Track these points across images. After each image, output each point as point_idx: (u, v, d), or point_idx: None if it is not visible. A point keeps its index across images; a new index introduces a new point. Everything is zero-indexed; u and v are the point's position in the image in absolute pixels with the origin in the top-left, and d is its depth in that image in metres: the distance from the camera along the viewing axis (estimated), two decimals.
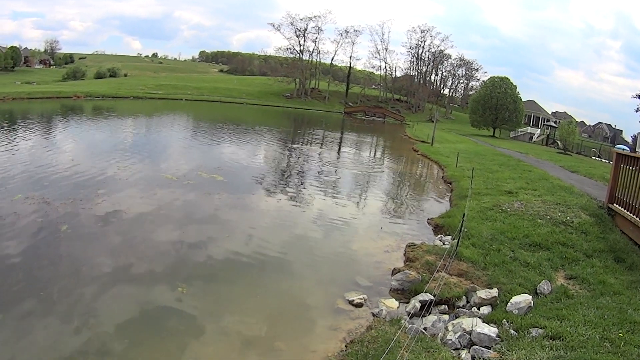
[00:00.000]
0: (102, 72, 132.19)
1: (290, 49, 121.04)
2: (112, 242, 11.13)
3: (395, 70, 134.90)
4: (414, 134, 60.46)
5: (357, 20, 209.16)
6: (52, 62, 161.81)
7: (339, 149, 39.15)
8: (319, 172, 23.91)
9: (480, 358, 7.03)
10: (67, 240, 10.86)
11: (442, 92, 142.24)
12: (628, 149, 47.92)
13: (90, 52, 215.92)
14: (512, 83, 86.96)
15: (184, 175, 18.94)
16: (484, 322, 8.25)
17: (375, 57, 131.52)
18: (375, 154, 40.75)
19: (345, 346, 7.66)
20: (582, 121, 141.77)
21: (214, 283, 9.73)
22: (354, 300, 9.35)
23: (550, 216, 14.02)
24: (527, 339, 7.29)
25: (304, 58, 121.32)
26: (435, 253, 11.54)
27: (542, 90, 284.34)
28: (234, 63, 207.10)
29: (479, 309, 9.08)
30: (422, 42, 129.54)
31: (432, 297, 9.18)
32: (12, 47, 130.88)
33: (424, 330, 8.08)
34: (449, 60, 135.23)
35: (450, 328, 8.14)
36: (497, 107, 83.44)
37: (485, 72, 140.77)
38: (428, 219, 16.20)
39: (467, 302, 9.52)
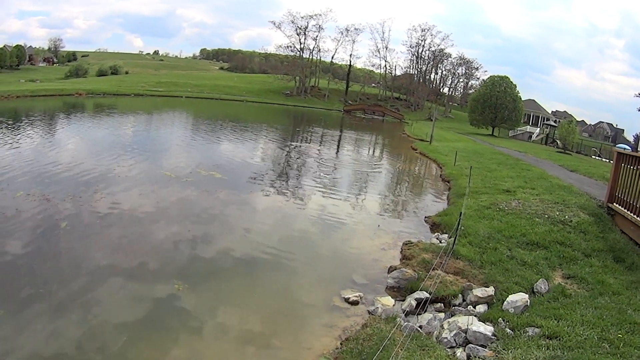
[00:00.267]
0: (104, 69, 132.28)
1: (291, 47, 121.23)
2: (111, 239, 11.14)
3: (395, 69, 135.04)
4: (412, 133, 60.38)
5: (357, 19, 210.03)
6: (55, 60, 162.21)
7: (338, 147, 39.12)
8: (317, 170, 23.85)
9: (475, 357, 6.99)
10: (66, 237, 10.86)
11: (441, 90, 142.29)
12: (630, 148, 47.95)
13: (93, 50, 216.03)
14: (511, 82, 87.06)
15: (183, 172, 18.90)
16: (479, 320, 8.21)
17: (376, 56, 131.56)
18: (373, 152, 40.75)
19: (341, 343, 7.64)
20: (583, 120, 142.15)
21: (211, 280, 9.69)
22: (350, 297, 9.32)
23: (549, 215, 13.97)
24: (523, 338, 7.25)
25: (304, 56, 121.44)
26: (431, 251, 11.49)
27: (544, 90, 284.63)
28: (235, 61, 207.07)
29: (474, 307, 9.04)
30: (422, 40, 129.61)
31: (428, 295, 9.14)
32: (17, 45, 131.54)
33: (419, 328, 8.04)
34: (449, 59, 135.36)
35: (445, 326, 8.10)
36: (497, 106, 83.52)
37: (486, 71, 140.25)
38: (425, 217, 16.16)
39: (463, 300, 9.48)
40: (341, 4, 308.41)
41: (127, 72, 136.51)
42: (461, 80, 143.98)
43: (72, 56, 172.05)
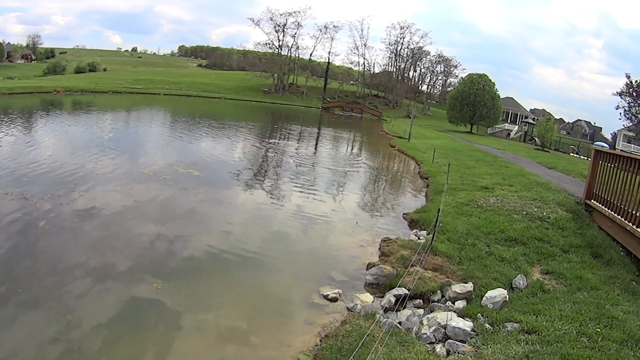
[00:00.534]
0: (81, 66, 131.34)
1: (269, 44, 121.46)
2: (89, 238, 10.97)
3: (374, 66, 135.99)
4: (391, 130, 60.57)
5: (336, 16, 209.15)
6: (33, 57, 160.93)
7: (316, 144, 39.18)
8: (295, 168, 23.81)
9: (455, 352, 6.99)
10: (45, 236, 10.69)
11: (420, 88, 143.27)
12: (608, 146, 48.45)
13: (71, 46, 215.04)
14: (490, 80, 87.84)
15: (161, 170, 18.73)
16: (459, 316, 8.22)
17: (354, 53, 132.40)
18: (352, 150, 40.79)
19: (320, 340, 7.61)
20: (561, 118, 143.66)
21: (190, 278, 9.60)
22: (328, 294, 9.29)
23: (527, 212, 14.04)
24: (503, 333, 7.25)
25: (282, 53, 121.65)
26: (410, 247, 11.49)
27: (521, 88, 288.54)
28: (213, 58, 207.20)
29: (453, 303, 9.04)
30: (401, 38, 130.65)
31: (406, 292, 9.14)
32: None
33: (398, 325, 8.04)
34: (428, 56, 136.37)
35: (425, 322, 8.09)
36: (475, 104, 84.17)
37: (464, 69, 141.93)
38: (403, 214, 16.16)
39: (442, 296, 9.48)
40: (320, 1, 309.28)
41: (105, 69, 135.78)
42: (440, 78, 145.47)
43: (50, 53, 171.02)
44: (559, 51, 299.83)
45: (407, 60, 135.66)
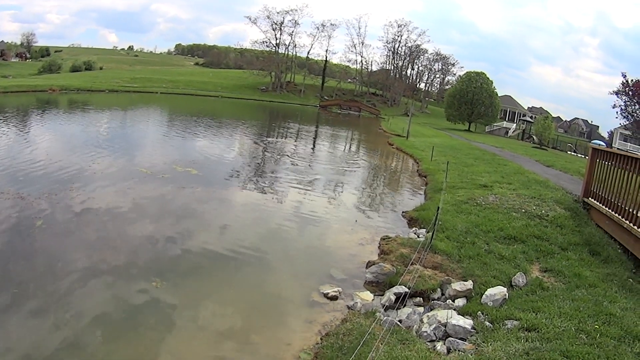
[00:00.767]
0: (77, 65, 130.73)
1: (267, 42, 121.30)
2: (87, 237, 10.96)
3: (372, 65, 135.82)
4: (389, 128, 60.63)
5: (333, 14, 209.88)
6: (28, 56, 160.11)
7: (314, 142, 39.19)
8: (293, 166, 23.83)
9: (455, 350, 7.02)
10: (42, 236, 10.66)
11: (418, 86, 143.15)
12: (605, 144, 48.46)
13: (66, 45, 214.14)
14: (488, 78, 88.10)
15: (159, 169, 18.75)
16: (459, 314, 8.25)
17: (352, 51, 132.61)
18: (350, 148, 40.84)
19: (321, 339, 7.62)
20: (559, 117, 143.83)
21: (189, 277, 9.61)
22: (328, 293, 9.30)
23: (525, 209, 14.08)
24: (503, 331, 7.29)
25: (280, 51, 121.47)
26: (409, 246, 11.52)
27: (519, 86, 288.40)
28: (210, 56, 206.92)
29: (453, 301, 9.08)
30: (398, 36, 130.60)
31: (406, 290, 9.16)
32: None
33: (399, 323, 8.05)
34: (426, 55, 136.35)
35: (425, 320, 8.13)
36: (473, 102, 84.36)
37: (462, 67, 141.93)
38: (403, 212, 16.20)
39: (442, 294, 9.51)
40: None
41: (101, 68, 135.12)
42: (438, 76, 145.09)
43: (45, 51, 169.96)
44: (556, 50, 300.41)
45: (405, 58, 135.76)
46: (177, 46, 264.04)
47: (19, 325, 7.15)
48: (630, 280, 9.65)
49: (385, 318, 8.10)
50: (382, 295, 9.45)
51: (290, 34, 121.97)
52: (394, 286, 9.43)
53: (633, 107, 67.97)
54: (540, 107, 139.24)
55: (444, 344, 7.29)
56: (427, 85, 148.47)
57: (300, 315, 8.57)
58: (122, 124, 36.76)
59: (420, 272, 9.85)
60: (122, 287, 8.77)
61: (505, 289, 9.12)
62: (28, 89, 56.31)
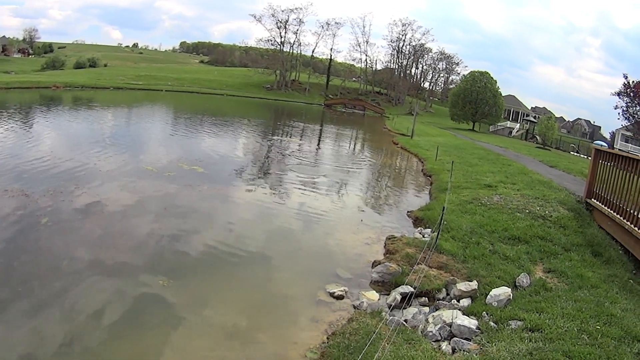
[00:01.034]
0: (81, 62, 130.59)
1: (271, 40, 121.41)
2: (92, 235, 10.99)
3: (376, 63, 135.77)
4: (393, 127, 60.61)
5: (338, 13, 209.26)
6: (30, 52, 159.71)
7: (319, 141, 39.23)
8: (298, 165, 23.86)
9: (460, 350, 7.10)
10: (47, 233, 10.69)
11: (422, 85, 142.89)
12: (607, 145, 48.45)
13: (69, 41, 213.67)
14: (492, 77, 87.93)
15: (164, 166, 18.84)
16: (464, 314, 8.33)
17: (356, 50, 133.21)
18: (354, 147, 40.86)
19: (327, 338, 7.66)
20: (562, 117, 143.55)
21: (196, 275, 9.66)
22: (334, 292, 9.35)
23: (529, 210, 14.15)
24: (507, 331, 7.37)
25: (284, 50, 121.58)
26: (415, 245, 11.57)
27: (522, 86, 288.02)
28: (215, 54, 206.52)
29: (458, 301, 9.14)
30: (403, 35, 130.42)
31: (412, 290, 9.23)
32: None
33: (404, 322, 8.12)
34: (430, 54, 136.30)
35: (430, 320, 8.20)
36: (477, 101, 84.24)
37: (466, 67, 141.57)
38: (408, 212, 16.25)
39: (447, 294, 9.57)
40: None
41: (105, 65, 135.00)
42: (442, 75, 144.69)
43: (48, 47, 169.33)
44: (559, 50, 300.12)
45: (409, 57, 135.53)
46: (182, 44, 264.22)
47: (23, 322, 7.21)
48: (631, 281, 9.74)
49: (391, 318, 8.17)
50: (388, 294, 9.50)
51: (295, 33, 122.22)
52: (399, 286, 9.51)
53: (634, 108, 67.73)
54: (544, 107, 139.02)
55: (449, 343, 7.37)
56: (431, 84, 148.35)
57: (307, 314, 8.61)
58: (127, 121, 36.86)
59: (426, 272, 9.93)
60: (127, 285, 8.81)
61: (510, 289, 9.19)
62: (31, 85, 56.38)
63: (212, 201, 15.05)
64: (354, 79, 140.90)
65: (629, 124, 68.56)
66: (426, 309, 8.88)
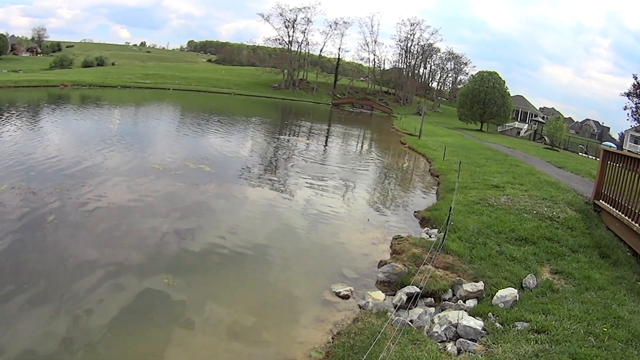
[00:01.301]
0: (89, 60, 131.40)
1: (279, 39, 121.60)
2: (99, 233, 11.01)
3: (384, 63, 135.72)
4: (401, 127, 60.59)
5: (346, 12, 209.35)
6: (39, 51, 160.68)
7: (326, 140, 39.20)
8: (305, 164, 23.89)
9: (466, 350, 7.07)
10: (53, 231, 10.72)
11: (430, 85, 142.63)
12: (615, 146, 48.31)
13: (78, 40, 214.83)
14: (500, 78, 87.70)
15: (171, 165, 18.87)
16: (469, 315, 8.28)
17: (364, 49, 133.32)
18: (362, 146, 40.85)
19: (332, 338, 7.65)
20: (570, 117, 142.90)
21: (201, 274, 9.67)
22: (340, 292, 9.34)
23: (537, 211, 14.08)
24: (513, 332, 7.34)
25: (292, 49, 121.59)
26: (421, 246, 11.55)
27: (531, 86, 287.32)
28: (223, 53, 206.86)
29: (464, 302, 9.11)
30: (411, 35, 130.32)
31: (418, 290, 9.20)
32: None
33: (410, 323, 8.10)
34: (438, 53, 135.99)
35: (436, 321, 8.17)
36: (485, 102, 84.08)
37: (474, 67, 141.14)
38: (415, 212, 16.21)
39: (453, 295, 9.55)
40: None
41: (113, 64, 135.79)
42: (450, 75, 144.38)
43: (56, 46, 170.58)
44: (568, 50, 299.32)
45: (418, 57, 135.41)
46: (190, 42, 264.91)
47: (29, 319, 7.22)
48: (639, 283, 9.67)
49: (396, 318, 8.12)
50: (394, 295, 9.49)
51: (303, 32, 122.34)
52: (405, 286, 9.50)
53: None
54: (552, 108, 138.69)
55: (455, 344, 7.33)
56: (440, 84, 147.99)
57: (312, 314, 8.60)
58: (134, 120, 36.96)
59: (432, 272, 9.90)
60: (133, 284, 8.82)
61: (516, 290, 9.14)
62: (39, 84, 56.70)
63: (218, 200, 15.05)
64: (361, 78, 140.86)
65: (638, 124, 68.27)
66: (432, 310, 8.85)
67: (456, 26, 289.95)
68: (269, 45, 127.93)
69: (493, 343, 7.07)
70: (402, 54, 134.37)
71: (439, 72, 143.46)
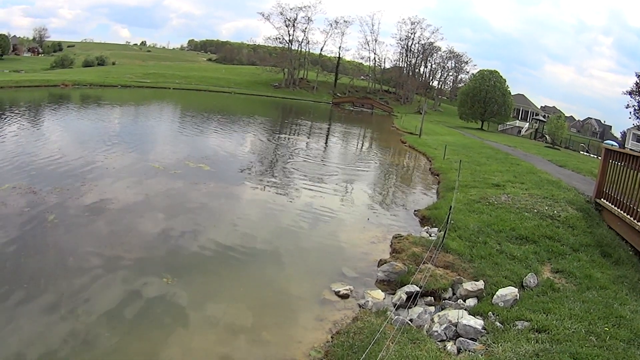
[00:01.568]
0: (90, 60, 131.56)
1: (280, 38, 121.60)
2: (99, 232, 11.02)
3: (385, 62, 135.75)
4: (402, 126, 60.57)
5: (347, 11, 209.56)
6: (40, 50, 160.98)
7: (327, 139, 39.20)
8: (305, 163, 23.88)
9: (466, 350, 7.04)
10: (54, 230, 10.72)
11: (431, 84, 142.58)
12: (617, 144, 48.24)
13: (78, 40, 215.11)
14: (501, 76, 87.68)
15: (171, 164, 18.85)
16: (469, 314, 8.26)
17: (365, 48, 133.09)
18: (362, 145, 40.83)
19: (331, 337, 7.64)
20: (571, 116, 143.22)
21: (200, 273, 9.65)
22: (340, 291, 9.31)
23: (538, 210, 14.03)
24: (513, 332, 7.30)
25: (293, 48, 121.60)
26: (421, 245, 11.51)
27: (532, 85, 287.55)
28: (223, 52, 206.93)
29: (464, 301, 9.08)
30: (412, 34, 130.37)
31: (418, 289, 9.17)
32: (0, 35, 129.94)
33: (409, 322, 8.07)
34: (439, 52, 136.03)
35: (436, 320, 8.14)
36: (486, 100, 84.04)
37: (475, 65, 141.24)
38: (415, 211, 16.17)
39: (453, 294, 9.52)
40: None
41: (114, 63, 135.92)
42: (451, 74, 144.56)
43: (57, 46, 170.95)
44: (569, 48, 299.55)
45: (418, 56, 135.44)
46: (190, 42, 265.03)
47: (30, 319, 7.21)
48: None
49: (396, 317, 8.11)
50: (394, 294, 9.46)
51: (304, 31, 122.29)
52: (405, 285, 9.47)
53: None
54: (553, 107, 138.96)
55: (455, 344, 7.31)
56: (440, 83, 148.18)
57: (311, 313, 8.58)
58: (135, 119, 36.92)
59: (432, 271, 9.87)
60: (133, 283, 8.82)
61: (517, 289, 9.10)
62: (40, 84, 56.68)
63: (218, 199, 15.04)
64: (362, 77, 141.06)
65: None
66: (432, 309, 8.82)
67: (457, 25, 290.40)
68: (269, 44, 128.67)
69: (493, 342, 7.03)
70: (402, 53, 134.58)
71: (439, 70, 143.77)
